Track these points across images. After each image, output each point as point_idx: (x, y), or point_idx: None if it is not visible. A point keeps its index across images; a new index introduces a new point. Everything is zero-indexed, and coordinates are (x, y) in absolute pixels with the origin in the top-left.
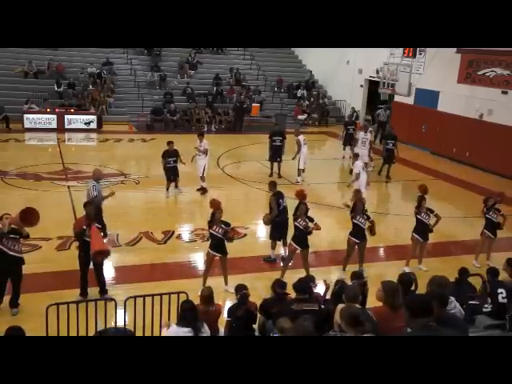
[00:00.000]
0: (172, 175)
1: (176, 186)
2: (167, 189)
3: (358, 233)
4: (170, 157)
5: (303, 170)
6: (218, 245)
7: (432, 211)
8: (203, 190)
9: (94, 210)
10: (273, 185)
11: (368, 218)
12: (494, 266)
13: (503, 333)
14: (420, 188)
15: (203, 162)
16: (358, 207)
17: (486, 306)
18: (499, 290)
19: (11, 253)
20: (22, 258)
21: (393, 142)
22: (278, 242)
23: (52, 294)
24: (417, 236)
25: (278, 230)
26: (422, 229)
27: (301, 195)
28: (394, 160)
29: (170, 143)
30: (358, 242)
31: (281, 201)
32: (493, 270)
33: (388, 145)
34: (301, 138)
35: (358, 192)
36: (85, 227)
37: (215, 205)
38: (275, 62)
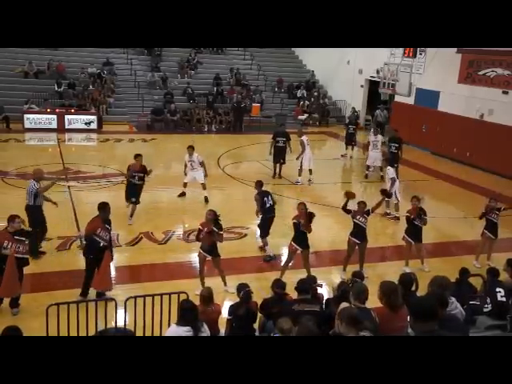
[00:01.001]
0: (133, 196)
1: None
2: (131, 215)
3: (358, 233)
4: (136, 172)
5: (310, 171)
6: (208, 246)
7: (424, 215)
8: (206, 199)
9: (34, 215)
10: (259, 184)
11: (368, 214)
12: (494, 267)
13: (504, 333)
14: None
15: (201, 172)
16: (359, 207)
17: (486, 305)
18: (497, 289)
19: (16, 255)
20: (26, 260)
21: (396, 145)
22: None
23: (52, 294)
24: (408, 238)
25: (265, 228)
26: (414, 231)
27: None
28: (397, 163)
29: (137, 156)
30: (358, 242)
31: (266, 199)
32: (493, 270)
33: (391, 148)
34: (304, 138)
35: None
36: (99, 229)
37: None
38: (275, 62)
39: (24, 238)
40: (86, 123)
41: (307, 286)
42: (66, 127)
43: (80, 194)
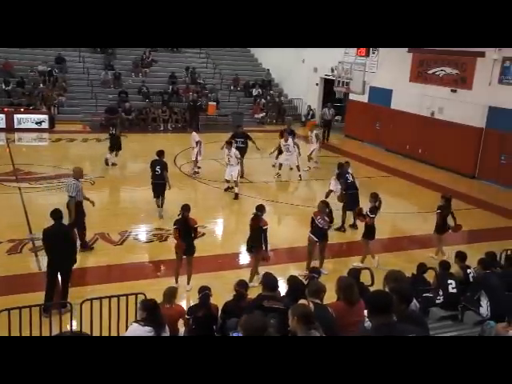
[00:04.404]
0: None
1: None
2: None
3: (317, 232)
4: None
5: (280, 166)
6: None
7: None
8: (236, 196)
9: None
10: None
11: (330, 221)
12: (446, 260)
13: (456, 324)
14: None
15: (236, 168)
16: (322, 207)
17: (438, 297)
18: (449, 281)
19: None
20: None
21: (242, 139)
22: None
23: (2, 299)
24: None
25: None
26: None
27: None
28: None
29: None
30: (317, 240)
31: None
32: (444, 263)
33: (238, 143)
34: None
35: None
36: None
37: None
38: (231, 61)
39: None
40: (36, 123)
41: (275, 282)
42: (16, 127)
43: (31, 195)
